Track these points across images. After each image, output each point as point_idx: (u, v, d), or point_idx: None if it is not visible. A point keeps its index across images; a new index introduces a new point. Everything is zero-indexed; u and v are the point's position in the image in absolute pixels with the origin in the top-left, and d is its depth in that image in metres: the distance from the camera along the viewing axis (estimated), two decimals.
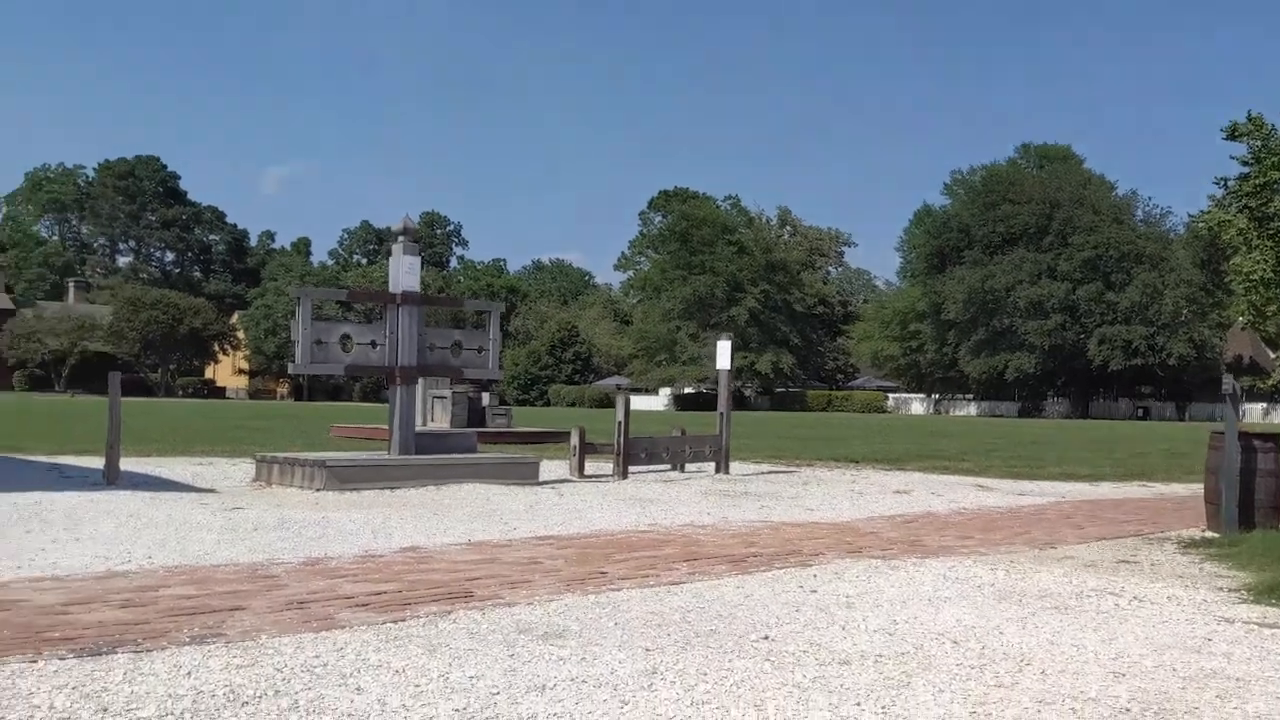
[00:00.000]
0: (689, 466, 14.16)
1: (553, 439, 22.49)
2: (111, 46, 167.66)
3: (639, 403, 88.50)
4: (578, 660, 4.33)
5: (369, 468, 10.62)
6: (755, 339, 77.58)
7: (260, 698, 3.68)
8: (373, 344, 11.21)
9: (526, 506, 9.60)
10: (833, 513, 10.16)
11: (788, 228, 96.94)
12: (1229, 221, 13.19)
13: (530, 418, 36.24)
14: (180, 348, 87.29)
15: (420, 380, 13.27)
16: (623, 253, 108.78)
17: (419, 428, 14.43)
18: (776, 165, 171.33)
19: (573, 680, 4.04)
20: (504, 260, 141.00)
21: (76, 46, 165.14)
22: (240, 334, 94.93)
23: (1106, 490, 13.84)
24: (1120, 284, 66.35)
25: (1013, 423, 51.40)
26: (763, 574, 6.65)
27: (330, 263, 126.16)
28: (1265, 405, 60.51)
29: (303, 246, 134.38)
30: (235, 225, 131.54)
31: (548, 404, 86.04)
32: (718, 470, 13.76)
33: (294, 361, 10.84)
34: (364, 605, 5.30)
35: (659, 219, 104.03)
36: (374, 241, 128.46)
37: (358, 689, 3.83)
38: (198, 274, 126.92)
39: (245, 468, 12.26)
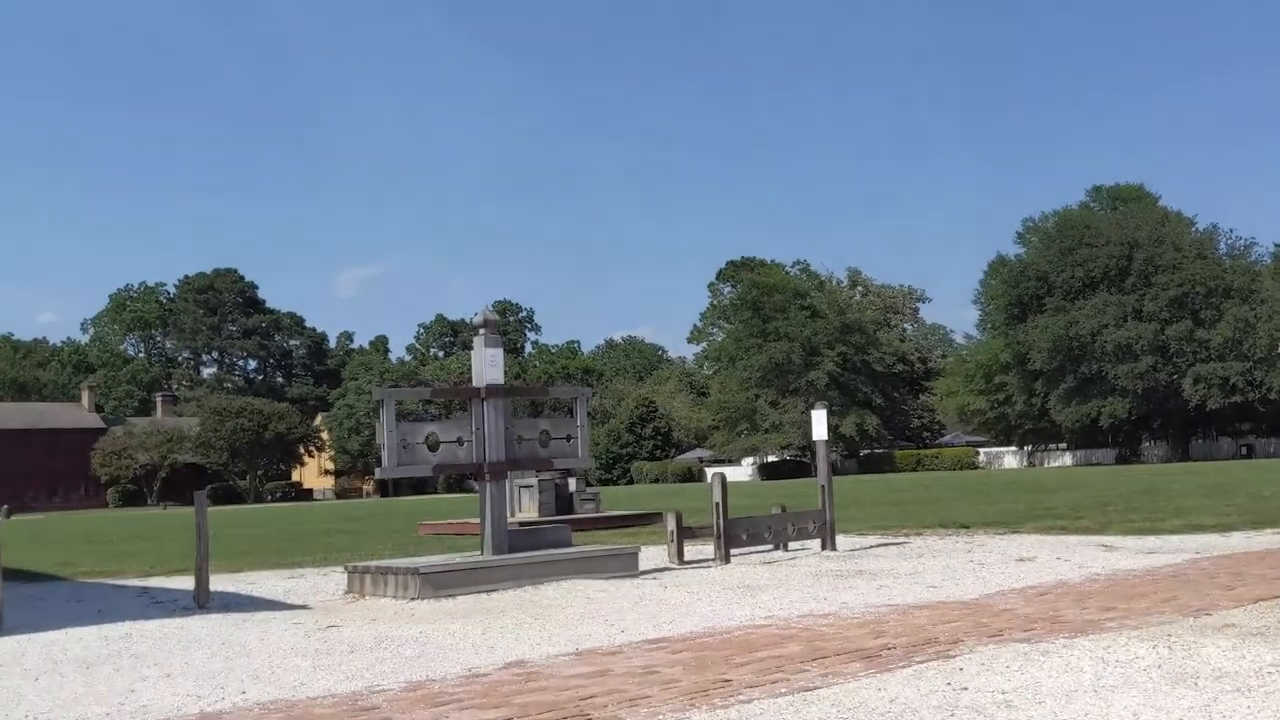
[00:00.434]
0: (792, 544, 13.53)
1: (644, 521, 21.98)
2: (185, 165, 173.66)
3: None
4: None
5: (463, 572, 10.20)
6: (837, 402, 76.38)
7: None
8: (459, 441, 10.86)
9: (631, 603, 9.08)
10: (958, 589, 9.47)
11: (859, 288, 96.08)
12: None
13: (616, 498, 35.76)
14: (266, 453, 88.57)
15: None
16: (695, 325, 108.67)
17: (508, 518, 14.05)
18: (840, 227, 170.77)
19: None
20: (578, 341, 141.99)
21: (149, 167, 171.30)
22: (324, 435, 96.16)
23: (1240, 541, 12.92)
24: (1211, 320, 64.29)
25: (1113, 471, 49.63)
26: (902, 670, 6.04)
27: (408, 358, 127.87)
28: None
29: (380, 345, 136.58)
30: (314, 329, 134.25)
31: (631, 481, 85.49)
32: (824, 547, 13.11)
33: (381, 465, 10.51)
34: None
35: (728, 289, 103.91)
36: (449, 334, 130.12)
37: None
38: (280, 379, 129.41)
39: (337, 578, 11.92)
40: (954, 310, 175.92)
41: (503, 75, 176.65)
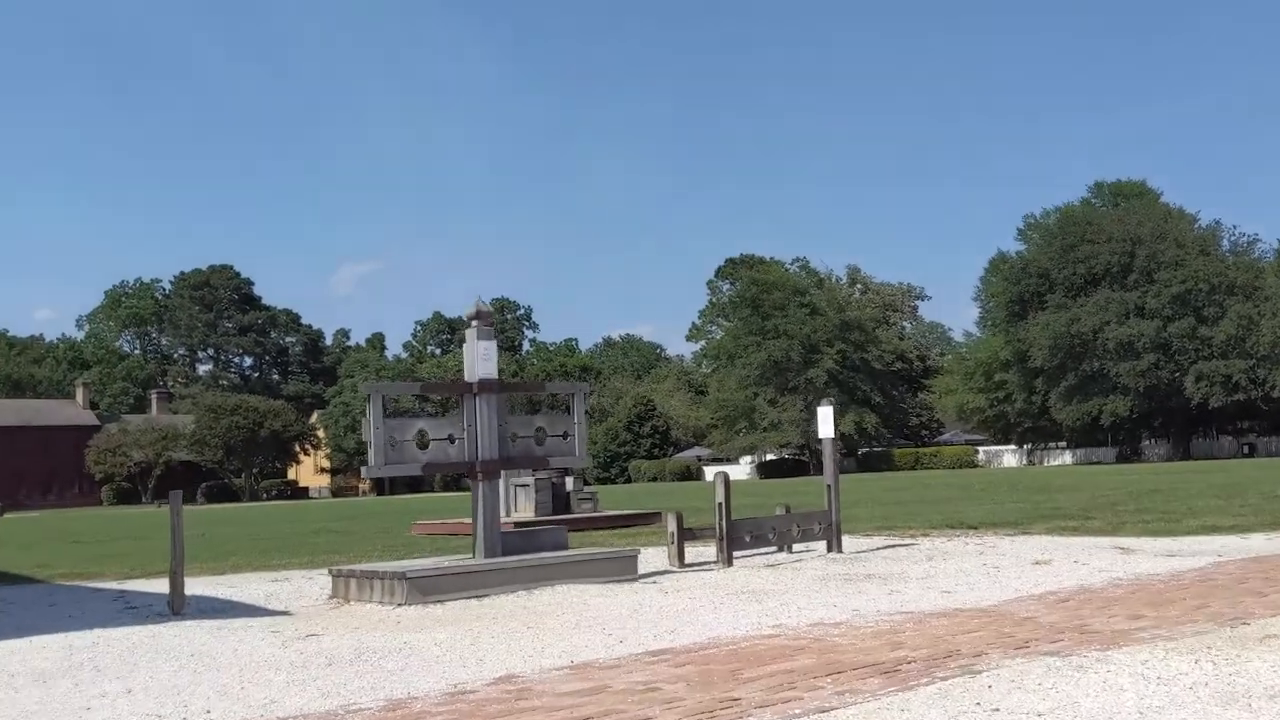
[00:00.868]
0: (796, 546, 13.03)
1: (643, 521, 21.46)
2: (180, 161, 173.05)
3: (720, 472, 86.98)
4: None
5: (453, 576, 9.69)
6: (836, 400, 75.76)
7: None
8: (450, 438, 10.35)
9: (630, 610, 8.58)
10: (974, 595, 8.98)
11: (858, 285, 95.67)
12: None
13: (614, 497, 35.29)
14: (262, 451, 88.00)
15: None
16: (693, 323, 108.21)
17: (503, 518, 13.54)
18: (838, 224, 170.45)
19: None
20: (575, 340, 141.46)
21: (145, 163, 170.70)
22: (320, 433, 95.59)
23: (1262, 544, 12.44)
24: (1214, 318, 63.86)
25: (1115, 470, 49.18)
26: (925, 688, 5.54)
27: (405, 355, 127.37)
28: None
29: (377, 342, 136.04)
30: (310, 326, 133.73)
31: (629, 480, 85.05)
32: (830, 549, 12.61)
33: (369, 464, 10.00)
34: None
35: (727, 287, 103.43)
36: (446, 331, 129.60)
37: None
38: (276, 377, 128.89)
39: (322, 581, 11.41)
40: (953, 309, 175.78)
41: (501, 71, 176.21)
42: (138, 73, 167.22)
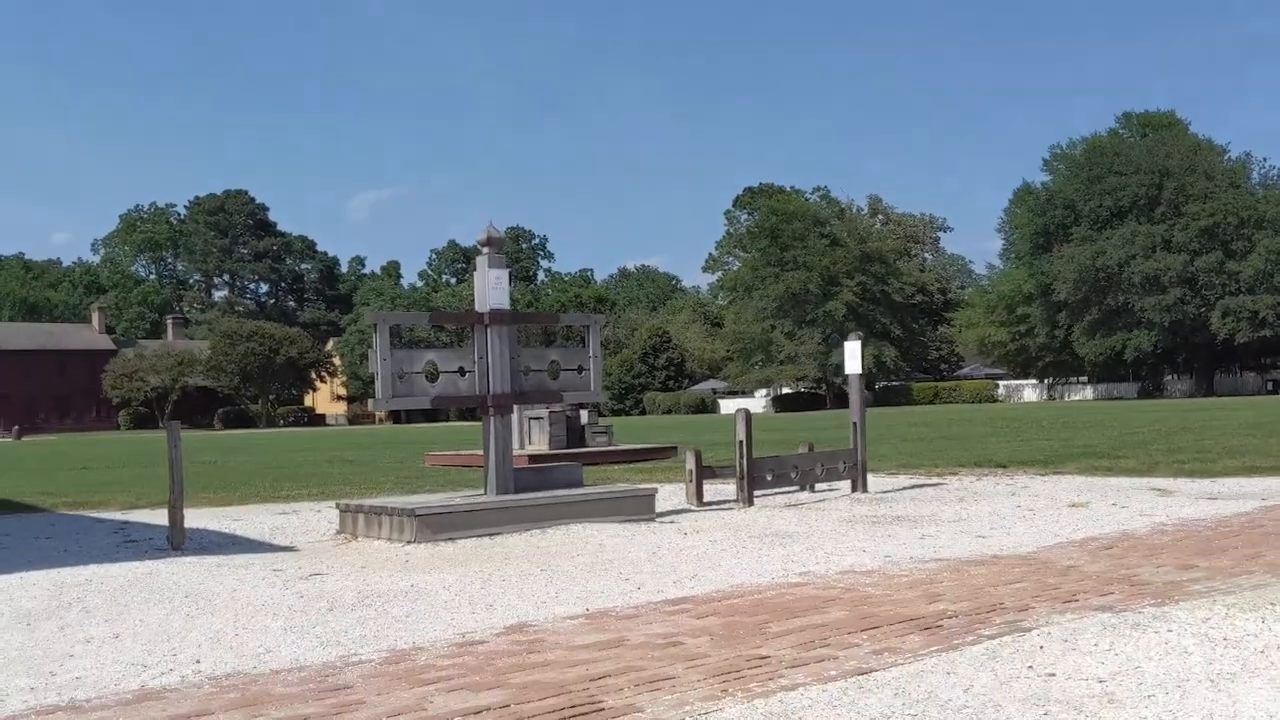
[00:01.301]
0: (819, 485, 12.60)
1: (659, 455, 21.09)
2: (196, 84, 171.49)
3: (735, 406, 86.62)
4: None
5: (463, 514, 9.29)
6: (854, 333, 75.33)
7: None
8: (461, 371, 9.89)
9: (648, 553, 8.16)
10: (1010, 539, 8.53)
11: (879, 216, 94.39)
12: None
13: (629, 429, 34.97)
14: (278, 378, 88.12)
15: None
16: (710, 254, 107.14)
17: (516, 451, 13.15)
18: (860, 153, 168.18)
19: None
20: (590, 270, 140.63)
21: (161, 86, 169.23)
22: (336, 360, 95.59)
23: None
24: (1242, 252, 62.68)
25: (1139, 406, 48.58)
26: (972, 648, 5.09)
27: (420, 284, 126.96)
28: None
29: (393, 270, 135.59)
30: (326, 253, 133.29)
31: (643, 412, 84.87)
32: (854, 489, 12.17)
33: (375, 397, 9.56)
34: None
35: (745, 217, 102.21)
36: (462, 260, 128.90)
37: None
38: (292, 303, 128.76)
39: (330, 515, 11.04)
40: (973, 241, 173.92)
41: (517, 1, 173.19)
42: None
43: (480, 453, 14.91)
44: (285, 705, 4.42)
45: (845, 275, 75.34)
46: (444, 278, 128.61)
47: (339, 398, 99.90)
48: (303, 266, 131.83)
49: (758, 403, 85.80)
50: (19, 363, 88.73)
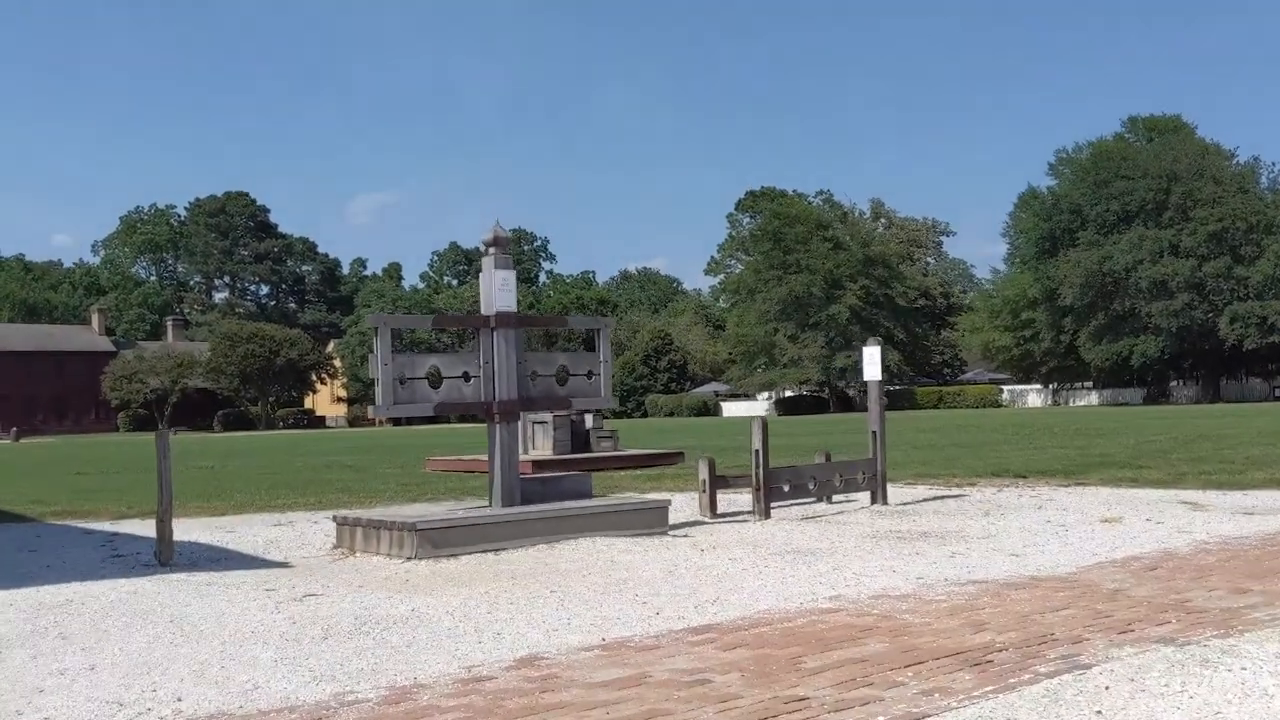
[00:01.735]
0: (835, 496, 12.12)
1: (665, 460, 20.62)
2: (196, 86, 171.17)
3: (738, 409, 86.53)
4: None
5: (467, 528, 8.82)
6: (858, 337, 74.76)
7: None
8: (465, 376, 9.42)
9: (664, 571, 7.69)
10: (1046, 559, 8.06)
11: (882, 220, 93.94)
12: None
13: (632, 432, 34.45)
14: (278, 379, 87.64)
15: None
16: (712, 256, 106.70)
17: (520, 456, 12.68)
18: (861, 157, 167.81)
19: None
20: (592, 272, 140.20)
21: (161, 88, 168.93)
22: (337, 362, 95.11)
23: None
24: (1250, 257, 62.19)
25: (1147, 412, 48.10)
26: (1028, 688, 4.62)
27: (421, 286, 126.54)
28: None
29: (394, 272, 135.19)
30: (327, 255, 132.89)
31: (645, 414, 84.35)
32: (874, 500, 11.70)
33: (375, 403, 9.09)
34: None
35: (748, 220, 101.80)
36: (464, 262, 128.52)
37: None
38: (292, 305, 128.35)
39: (327, 527, 10.56)
40: (973, 245, 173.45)
41: (520, 2, 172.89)
42: None
43: (484, 457, 14.40)
44: None
45: (848, 279, 74.92)
46: (445, 279, 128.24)
47: (339, 400, 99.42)
48: (304, 268, 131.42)
49: (760, 406, 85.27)
50: (18, 364, 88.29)
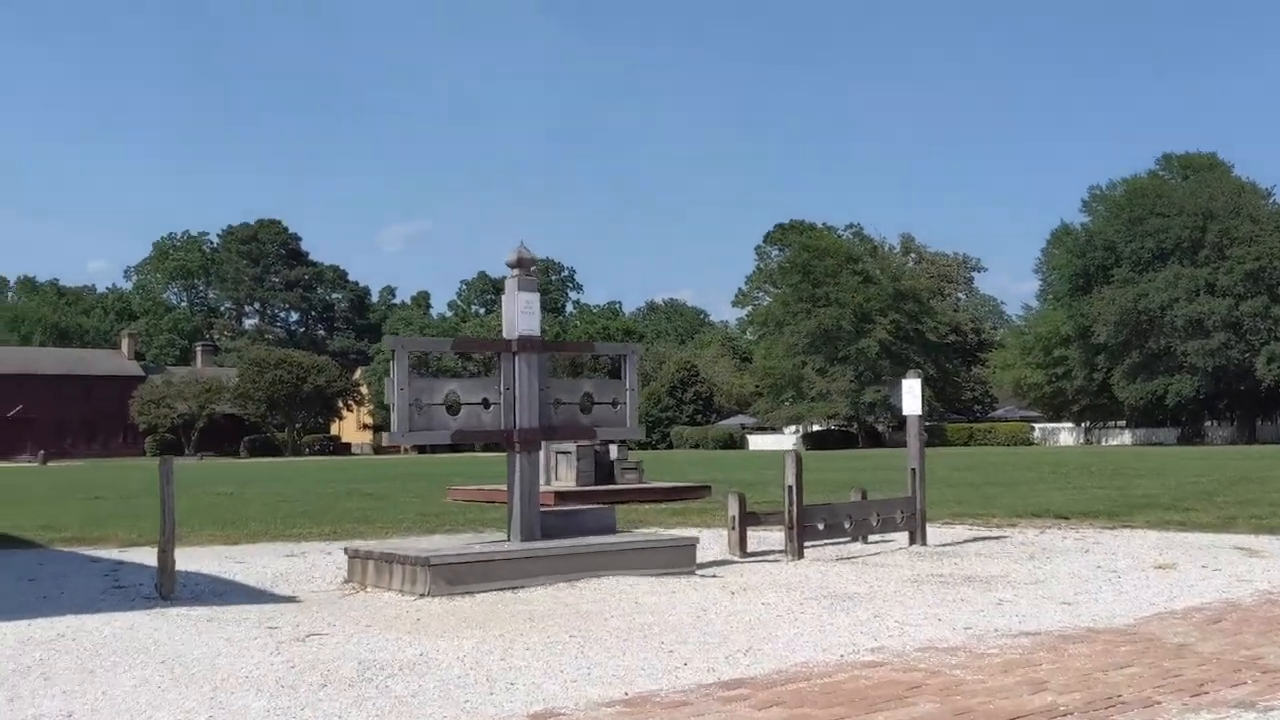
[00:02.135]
0: (871, 535, 11.58)
1: (692, 494, 20.09)
2: (231, 115, 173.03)
3: (764, 442, 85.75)
4: None
5: (484, 564, 8.36)
6: (887, 371, 74.01)
7: None
8: (485, 403, 9.00)
9: (692, 616, 7.19)
10: (1100, 608, 7.52)
11: (912, 255, 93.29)
12: None
13: (657, 464, 33.91)
14: (305, 406, 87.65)
15: None
16: (740, 289, 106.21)
17: (541, 487, 12.23)
18: (892, 191, 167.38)
19: None
20: (619, 303, 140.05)
21: (197, 116, 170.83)
22: (364, 389, 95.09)
23: None
24: None
25: (1183, 452, 47.11)
26: None
27: (449, 314, 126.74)
28: None
29: (423, 300, 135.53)
30: (356, 283, 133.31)
31: (670, 446, 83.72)
32: (912, 541, 11.16)
33: (391, 430, 8.67)
34: None
35: (776, 252, 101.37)
36: (491, 291, 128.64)
37: None
38: (321, 332, 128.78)
39: (340, 559, 10.12)
40: (1001, 282, 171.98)
41: (550, 32, 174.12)
42: (190, 25, 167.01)
43: (503, 487, 13.95)
44: None
45: (878, 313, 74.25)
46: (473, 308, 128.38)
47: (365, 426, 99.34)
48: (333, 296, 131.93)
49: (787, 439, 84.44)
50: (47, 387, 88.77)
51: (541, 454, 16.82)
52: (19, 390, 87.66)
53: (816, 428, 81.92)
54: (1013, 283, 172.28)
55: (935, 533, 11.88)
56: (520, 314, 9.10)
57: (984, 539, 11.86)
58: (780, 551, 10.52)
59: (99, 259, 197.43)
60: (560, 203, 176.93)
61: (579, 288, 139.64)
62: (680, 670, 5.66)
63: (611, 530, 9.77)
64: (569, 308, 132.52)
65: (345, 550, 9.27)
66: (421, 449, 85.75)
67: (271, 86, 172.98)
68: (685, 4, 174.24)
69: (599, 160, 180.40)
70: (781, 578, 9.00)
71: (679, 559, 9.24)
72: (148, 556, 10.91)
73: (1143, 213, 65.90)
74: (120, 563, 10.60)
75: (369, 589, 8.63)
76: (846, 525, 10.64)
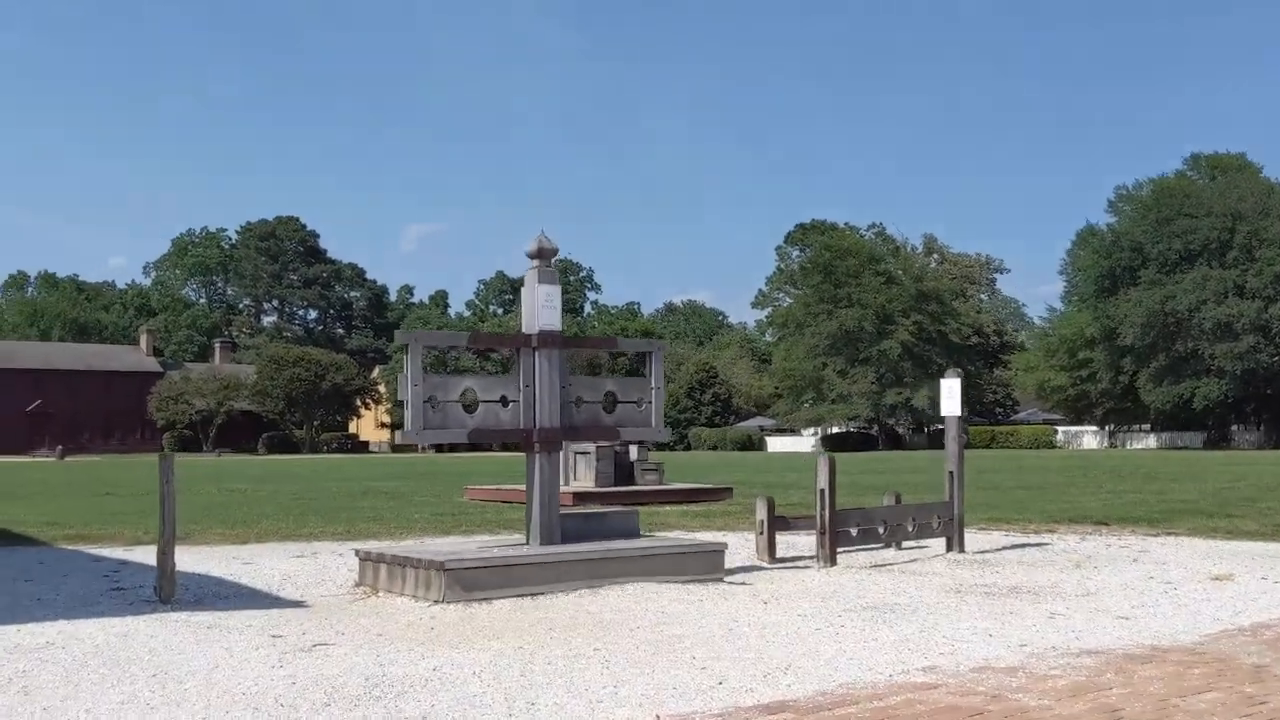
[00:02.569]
0: (905, 541, 11.08)
1: (713, 496, 19.60)
2: (249, 112, 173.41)
3: (783, 444, 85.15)
4: None
5: (501, 569, 7.91)
6: (909, 373, 73.33)
7: None
8: (503, 400, 8.55)
9: (723, 629, 6.71)
10: (1160, 623, 7.01)
11: (934, 255, 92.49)
12: None
13: (676, 465, 33.42)
14: (323, 403, 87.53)
15: None
16: (760, 289, 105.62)
17: (561, 488, 11.77)
18: (913, 191, 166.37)
19: None
20: (637, 303, 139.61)
21: (215, 113, 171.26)
22: (382, 388, 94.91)
23: None
24: None
25: (1211, 457, 46.31)
26: None
27: (467, 314, 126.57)
28: None
29: (440, 299, 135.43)
30: (375, 281, 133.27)
31: (688, 448, 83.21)
32: (950, 548, 10.65)
33: (404, 428, 8.23)
34: None
35: (797, 253, 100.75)
36: (509, 291, 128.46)
37: None
38: (339, 330, 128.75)
39: (352, 560, 9.69)
40: (1022, 283, 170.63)
41: (568, 32, 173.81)
42: (211, 23, 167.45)
43: (521, 487, 13.47)
44: None
45: (901, 314, 73.48)
46: (491, 308, 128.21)
47: (383, 425, 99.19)
48: (351, 294, 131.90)
49: (806, 442, 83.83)
50: (65, 382, 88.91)
51: (560, 461, 16.40)
52: (38, 385, 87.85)
53: (836, 430, 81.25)
54: (1032, 284, 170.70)
55: (972, 539, 11.35)
56: (541, 307, 8.65)
57: (1023, 546, 11.34)
58: (810, 558, 10.04)
59: (119, 255, 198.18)
60: (579, 203, 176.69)
61: (597, 288, 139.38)
62: (715, 690, 5.18)
63: (634, 534, 9.30)
64: (587, 308, 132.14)
65: (357, 552, 8.83)
66: (439, 448, 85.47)
67: (292, 86, 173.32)
68: (696, 6, 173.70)
69: (618, 160, 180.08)
70: (815, 586, 8.51)
71: (706, 565, 8.76)
72: (153, 556, 10.50)
73: (1170, 213, 65.00)
74: (124, 562, 10.19)
75: (381, 594, 8.19)
76: (881, 531, 10.14)
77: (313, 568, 9.80)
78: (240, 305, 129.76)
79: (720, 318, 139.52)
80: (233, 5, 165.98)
